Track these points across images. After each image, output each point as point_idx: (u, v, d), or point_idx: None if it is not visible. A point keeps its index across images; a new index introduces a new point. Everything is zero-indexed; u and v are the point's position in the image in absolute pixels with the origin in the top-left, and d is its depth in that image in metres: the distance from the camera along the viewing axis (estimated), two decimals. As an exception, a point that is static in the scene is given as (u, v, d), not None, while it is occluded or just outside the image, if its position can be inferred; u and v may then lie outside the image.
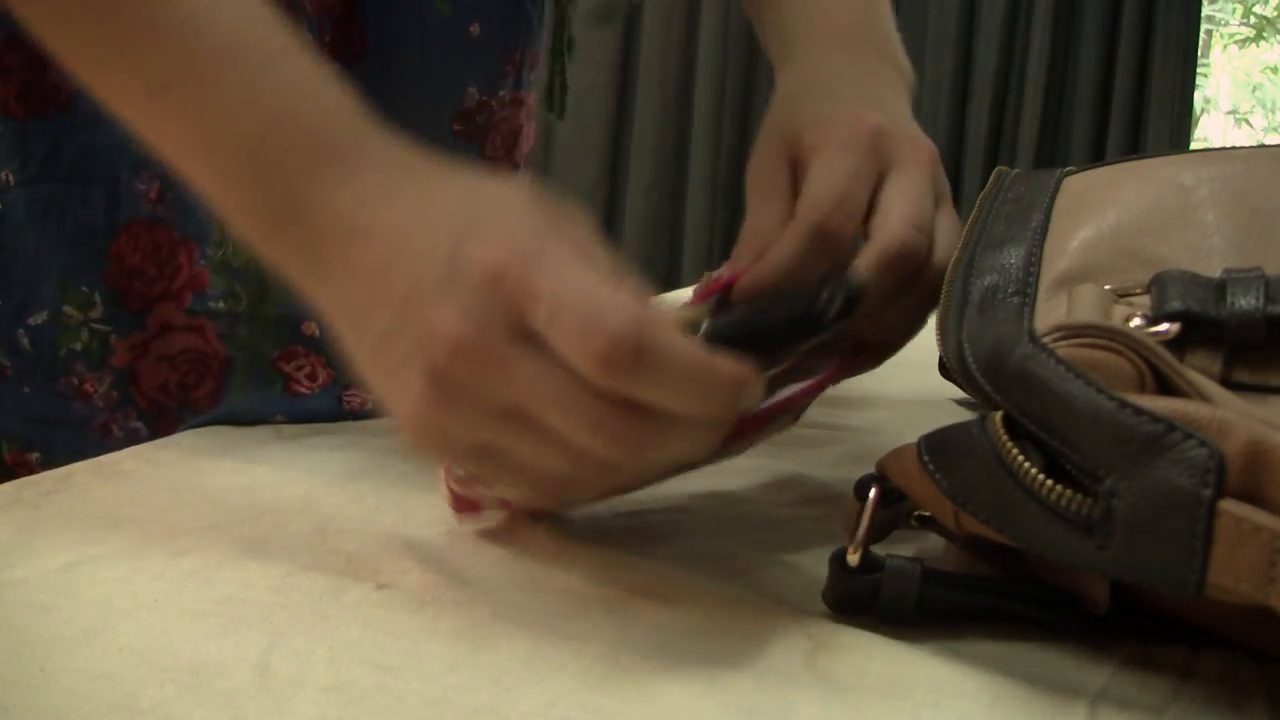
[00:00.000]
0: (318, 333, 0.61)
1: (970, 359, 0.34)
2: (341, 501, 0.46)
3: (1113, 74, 2.97)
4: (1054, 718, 0.30)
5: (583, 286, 0.33)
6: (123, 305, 0.61)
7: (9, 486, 0.47)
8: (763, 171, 0.51)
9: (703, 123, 2.87)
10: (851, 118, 0.49)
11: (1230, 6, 3.94)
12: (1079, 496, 0.29)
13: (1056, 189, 0.42)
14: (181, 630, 0.34)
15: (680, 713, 0.30)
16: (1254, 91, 3.96)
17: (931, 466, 0.32)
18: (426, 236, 0.37)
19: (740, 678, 0.32)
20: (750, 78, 3.16)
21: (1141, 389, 0.30)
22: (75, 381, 0.62)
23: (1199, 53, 2.94)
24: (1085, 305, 0.34)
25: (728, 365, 0.34)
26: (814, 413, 0.62)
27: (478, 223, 0.37)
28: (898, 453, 0.35)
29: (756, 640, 0.34)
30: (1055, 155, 3.02)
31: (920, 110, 3.08)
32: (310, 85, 0.42)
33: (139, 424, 0.62)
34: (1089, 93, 2.98)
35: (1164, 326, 0.33)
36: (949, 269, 0.39)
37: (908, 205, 0.46)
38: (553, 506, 0.44)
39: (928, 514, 0.36)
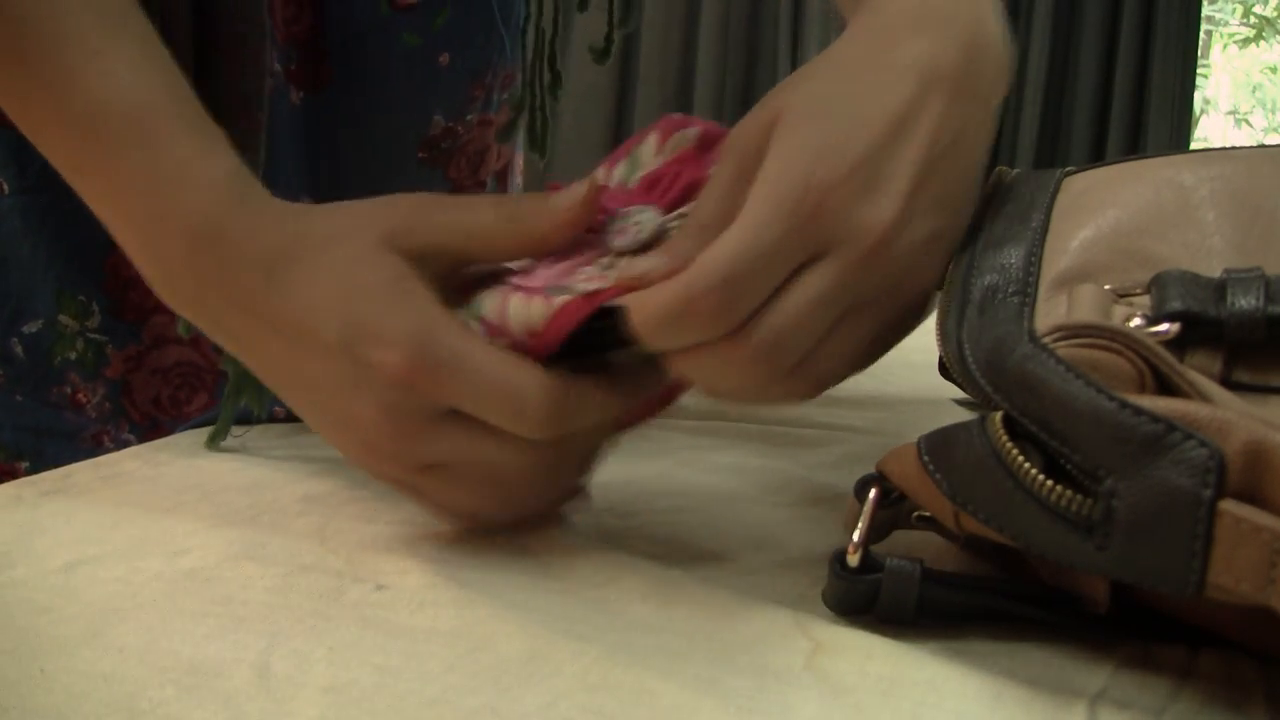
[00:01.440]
0: None
1: (970, 359, 0.34)
2: (341, 501, 0.46)
3: (1113, 74, 2.97)
4: (1054, 718, 0.30)
5: (488, 372, 0.38)
6: (119, 316, 0.61)
7: (9, 486, 0.47)
8: (742, 142, 0.40)
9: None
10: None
11: (1230, 6, 3.94)
12: (1079, 497, 0.29)
13: (1057, 189, 0.42)
14: (181, 630, 0.34)
15: (680, 713, 0.30)
16: (1254, 91, 3.96)
17: (931, 467, 0.32)
18: (317, 337, 0.39)
19: (740, 678, 0.32)
20: (750, 77, 3.16)
21: (1141, 389, 0.30)
22: (68, 391, 0.61)
23: (1199, 53, 2.94)
24: (1085, 305, 0.34)
25: (598, 399, 0.39)
26: (814, 412, 0.63)
27: (359, 323, 0.39)
28: (897, 453, 0.35)
29: (756, 640, 0.34)
30: (1055, 155, 3.02)
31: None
32: (193, 169, 0.42)
33: (130, 436, 0.62)
34: (1089, 93, 2.98)
35: (1164, 326, 0.33)
36: (949, 267, 0.39)
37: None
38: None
39: (928, 514, 0.36)
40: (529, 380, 0.37)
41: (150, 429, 0.62)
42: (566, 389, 0.38)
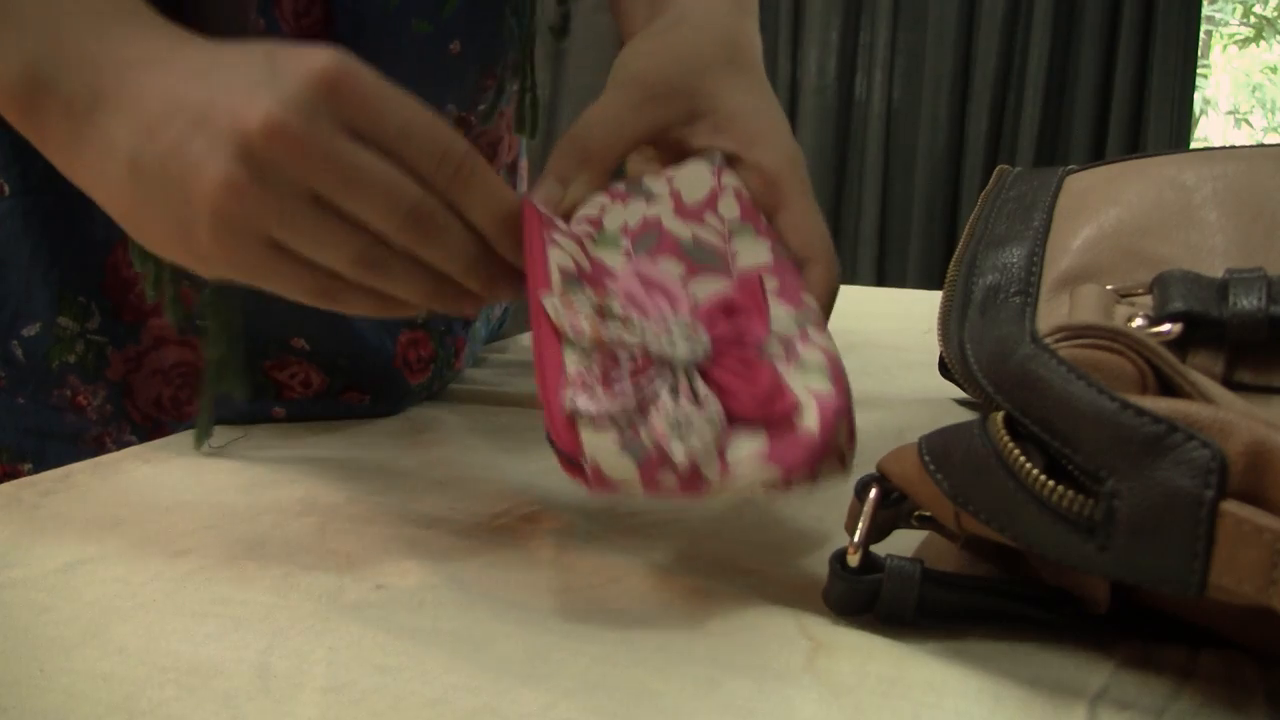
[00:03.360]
0: (306, 346, 0.61)
1: (972, 359, 0.34)
2: (341, 501, 0.46)
3: (1113, 74, 2.97)
4: (1054, 718, 0.30)
5: (420, 109, 0.38)
6: (119, 317, 0.61)
7: (8, 487, 0.47)
8: (638, 65, 0.48)
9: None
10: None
11: (1230, 6, 3.94)
12: (1080, 497, 0.29)
13: (1058, 188, 0.42)
14: (181, 630, 0.34)
15: (680, 713, 0.30)
16: (1254, 91, 3.96)
17: (932, 467, 0.32)
18: (238, 54, 0.39)
19: (740, 678, 0.32)
20: (750, 78, 3.15)
21: (1143, 390, 0.30)
22: (68, 394, 0.61)
23: (1199, 53, 2.94)
24: (1087, 305, 0.34)
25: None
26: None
27: (288, 47, 0.38)
28: (898, 453, 0.35)
29: (756, 641, 0.34)
30: (1055, 155, 3.02)
31: (921, 110, 3.09)
32: None
33: (132, 437, 0.62)
34: (1089, 93, 2.98)
35: (1166, 327, 0.33)
36: (950, 266, 0.39)
37: None
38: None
39: (928, 514, 0.35)
40: (456, 134, 0.38)
41: (152, 430, 0.62)
42: (485, 165, 0.39)
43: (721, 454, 0.35)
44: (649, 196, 0.45)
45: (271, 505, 0.46)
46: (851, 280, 3.20)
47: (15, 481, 0.48)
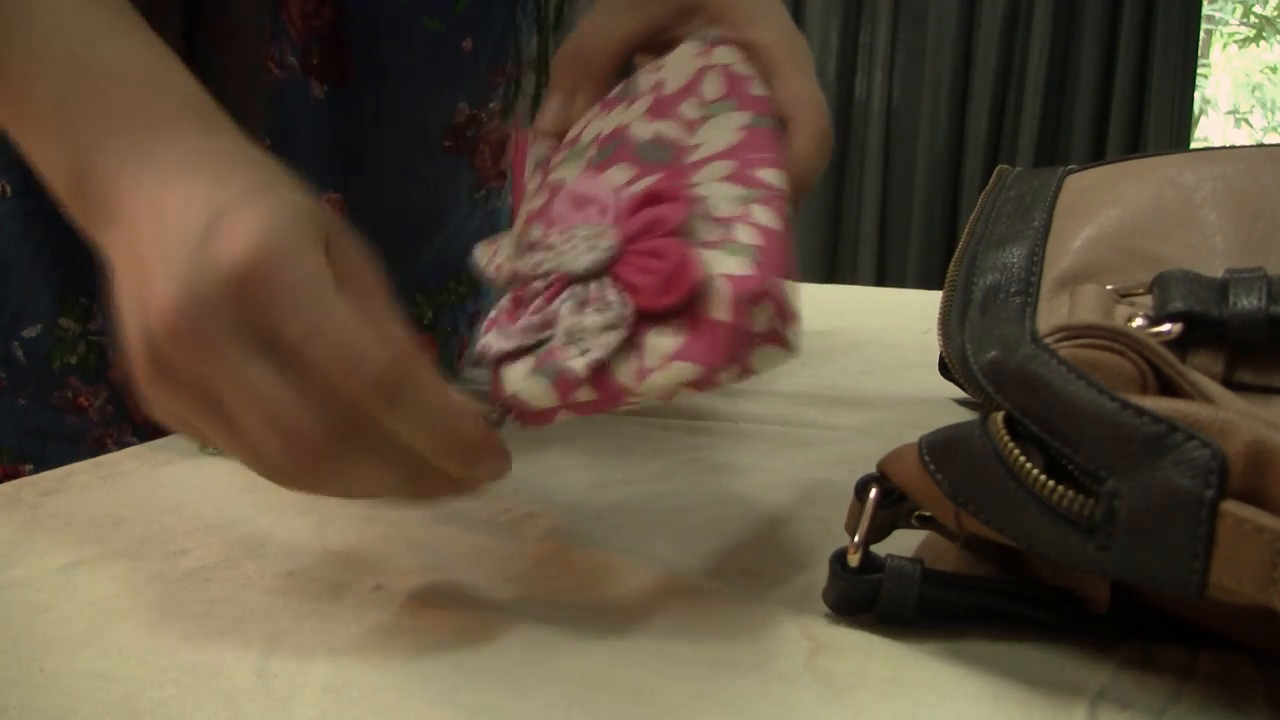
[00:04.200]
0: None
1: (972, 359, 0.34)
2: (341, 502, 0.46)
3: (1113, 74, 2.97)
4: (1054, 718, 0.30)
5: (339, 314, 0.33)
6: None
7: (8, 487, 0.47)
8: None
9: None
10: None
11: (1230, 6, 3.94)
12: (1080, 497, 0.29)
13: (1059, 187, 0.42)
14: (181, 630, 0.34)
15: (680, 713, 0.30)
16: (1254, 91, 3.96)
17: (933, 467, 0.32)
18: (185, 208, 0.35)
19: (740, 678, 0.32)
20: (750, 78, 3.15)
21: (1143, 390, 0.30)
22: (69, 395, 0.61)
23: (1199, 53, 2.94)
24: (1087, 305, 0.34)
25: (471, 430, 0.35)
26: (813, 413, 0.63)
27: (237, 207, 0.34)
28: (898, 453, 0.35)
29: (756, 641, 0.34)
30: (1055, 155, 3.02)
31: (920, 110, 3.09)
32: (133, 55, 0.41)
33: (134, 439, 0.62)
34: (1089, 93, 2.98)
35: (1166, 327, 0.33)
36: (950, 266, 0.39)
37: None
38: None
39: (928, 514, 0.35)
40: (376, 336, 0.33)
41: (153, 431, 0.62)
42: (415, 368, 0.34)
43: (640, 356, 0.33)
44: (634, 97, 0.44)
45: (271, 505, 0.46)
46: (852, 280, 3.19)
47: (15, 481, 0.48)
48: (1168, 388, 0.31)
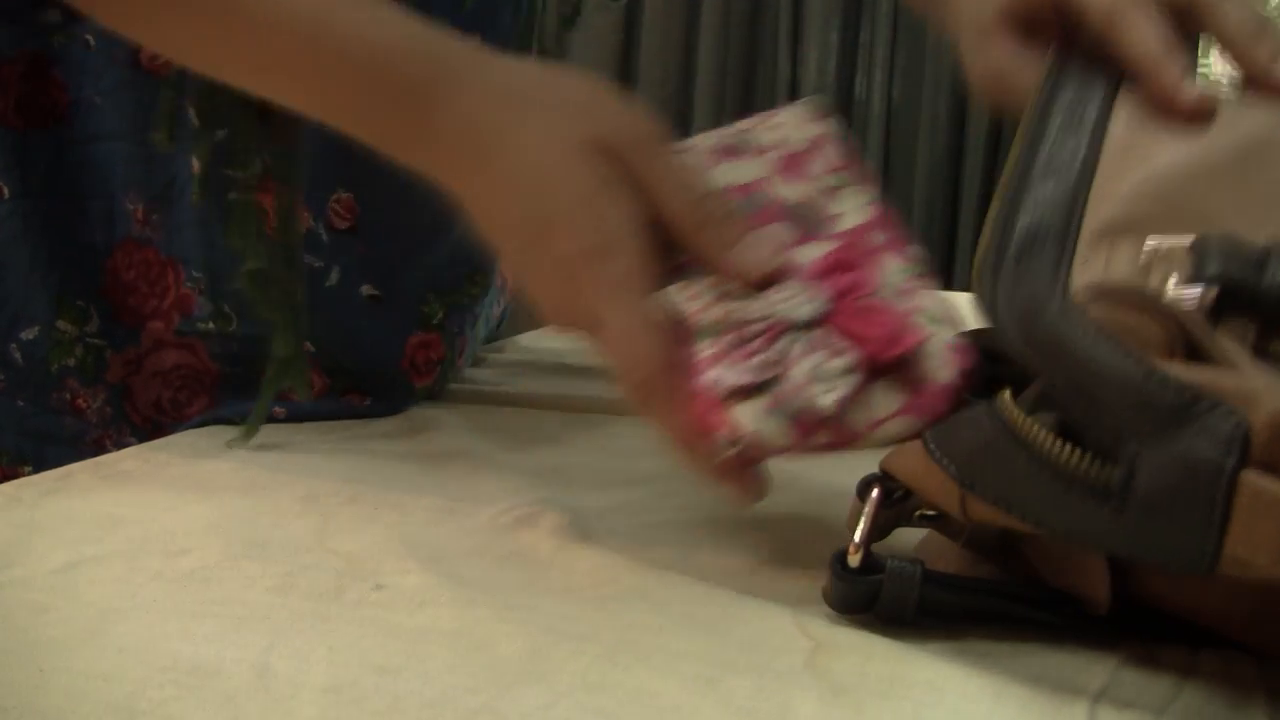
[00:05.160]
0: (310, 348, 0.61)
1: (1004, 313, 0.33)
2: (341, 501, 0.46)
3: (1113, 74, 2.96)
4: (1054, 718, 0.30)
5: (624, 321, 0.40)
6: (118, 320, 0.60)
7: (8, 487, 0.47)
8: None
9: (703, 122, 2.87)
10: None
11: (1230, 6, 3.93)
12: (1097, 462, 0.29)
13: (1110, 104, 0.40)
14: (181, 630, 0.34)
15: (680, 713, 0.30)
16: (1254, 91, 3.96)
17: (938, 454, 0.32)
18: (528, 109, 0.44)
19: (740, 678, 0.32)
20: (750, 77, 3.16)
21: (1171, 355, 0.30)
22: (67, 397, 0.61)
23: (1198, 53, 2.93)
24: (1123, 263, 0.34)
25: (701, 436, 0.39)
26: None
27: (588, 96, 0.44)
28: (900, 450, 0.35)
29: (756, 640, 0.34)
30: (1055, 155, 3.01)
31: (920, 110, 3.09)
32: (401, 24, 0.47)
33: (132, 439, 0.62)
34: (1089, 93, 2.97)
35: (1200, 290, 0.33)
36: (993, 204, 0.38)
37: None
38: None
39: (931, 513, 0.35)
40: (650, 359, 0.39)
41: (152, 432, 0.62)
42: (663, 378, 0.39)
43: (869, 406, 0.36)
44: (757, 150, 0.45)
45: (271, 505, 0.46)
46: (851, 280, 3.19)
47: (15, 481, 0.48)
48: (1196, 354, 0.30)
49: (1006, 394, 0.31)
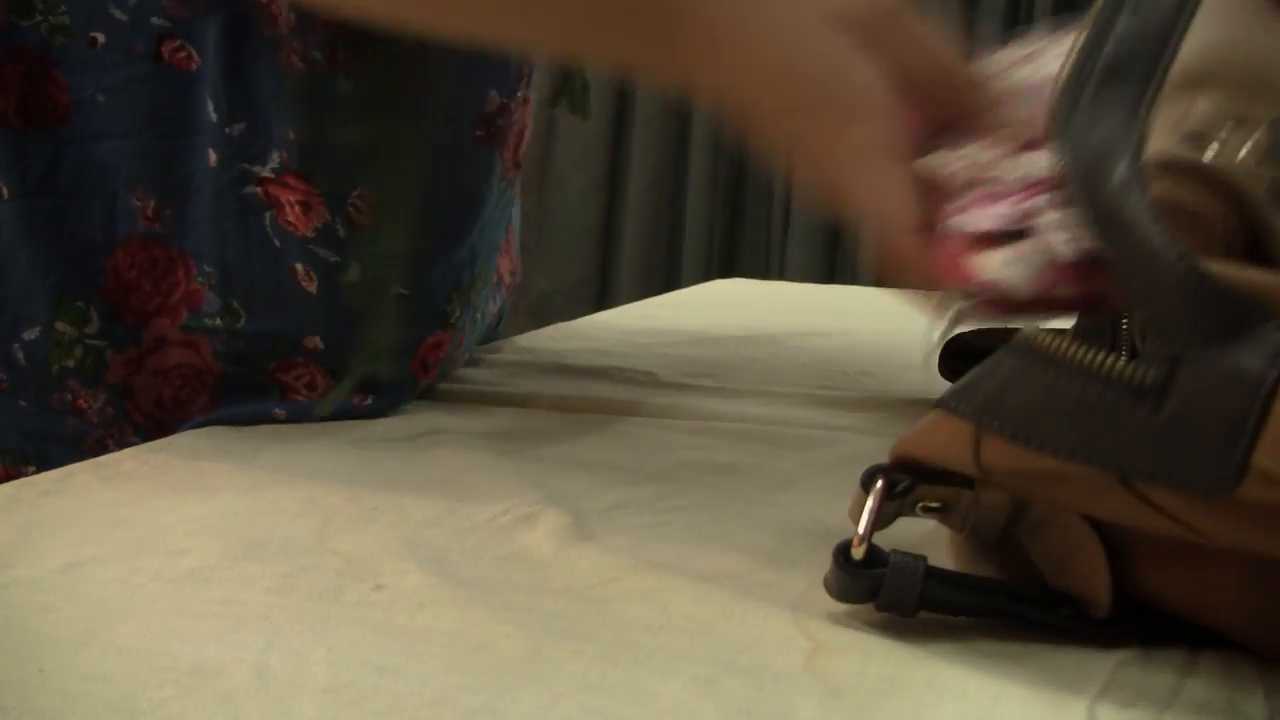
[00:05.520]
0: (320, 345, 0.61)
1: (1074, 160, 0.32)
2: (341, 501, 0.46)
3: (1113, 74, 2.96)
4: (1054, 718, 0.30)
5: (877, 183, 0.42)
6: (119, 320, 0.60)
7: (9, 487, 0.47)
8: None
9: (703, 123, 2.87)
10: None
11: (1230, 6, 3.93)
12: (1132, 363, 0.28)
13: None
14: (181, 630, 0.34)
15: (680, 713, 0.30)
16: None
17: (953, 403, 0.32)
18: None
19: (740, 678, 0.32)
20: (750, 78, 3.15)
21: (1232, 241, 0.30)
22: (69, 397, 0.61)
23: None
24: (1202, 119, 0.32)
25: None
26: (814, 413, 0.63)
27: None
28: (901, 437, 0.35)
29: (756, 641, 0.34)
30: (1055, 155, 3.01)
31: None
32: None
33: (135, 439, 0.62)
34: (1089, 93, 2.97)
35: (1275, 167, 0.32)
36: (1086, 19, 0.37)
37: None
38: None
39: (934, 504, 0.35)
40: (905, 217, 0.41)
41: (155, 431, 0.62)
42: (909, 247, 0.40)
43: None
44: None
45: (271, 505, 0.46)
46: (852, 280, 3.19)
47: (15, 482, 0.48)
48: (1258, 242, 0.30)
49: (1025, 330, 0.31)
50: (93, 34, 0.59)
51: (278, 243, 0.60)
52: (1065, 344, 0.30)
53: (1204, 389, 0.27)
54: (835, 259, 3.24)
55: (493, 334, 0.83)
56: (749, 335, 0.91)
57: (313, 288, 0.60)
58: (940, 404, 0.33)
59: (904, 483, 0.35)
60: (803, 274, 3.02)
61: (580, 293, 3.07)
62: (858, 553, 0.34)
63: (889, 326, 0.95)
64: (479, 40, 0.55)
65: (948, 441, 0.33)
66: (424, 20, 0.54)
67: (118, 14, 0.58)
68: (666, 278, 2.95)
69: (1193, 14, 0.34)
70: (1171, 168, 0.31)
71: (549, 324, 0.94)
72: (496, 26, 0.53)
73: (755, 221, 3.16)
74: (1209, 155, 0.31)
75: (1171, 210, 0.30)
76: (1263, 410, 0.26)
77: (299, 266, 0.60)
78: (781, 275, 3.04)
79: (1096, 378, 0.29)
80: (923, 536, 0.38)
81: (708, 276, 2.71)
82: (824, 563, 0.35)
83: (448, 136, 0.65)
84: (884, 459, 0.36)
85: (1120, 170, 0.30)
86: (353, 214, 0.61)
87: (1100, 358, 0.29)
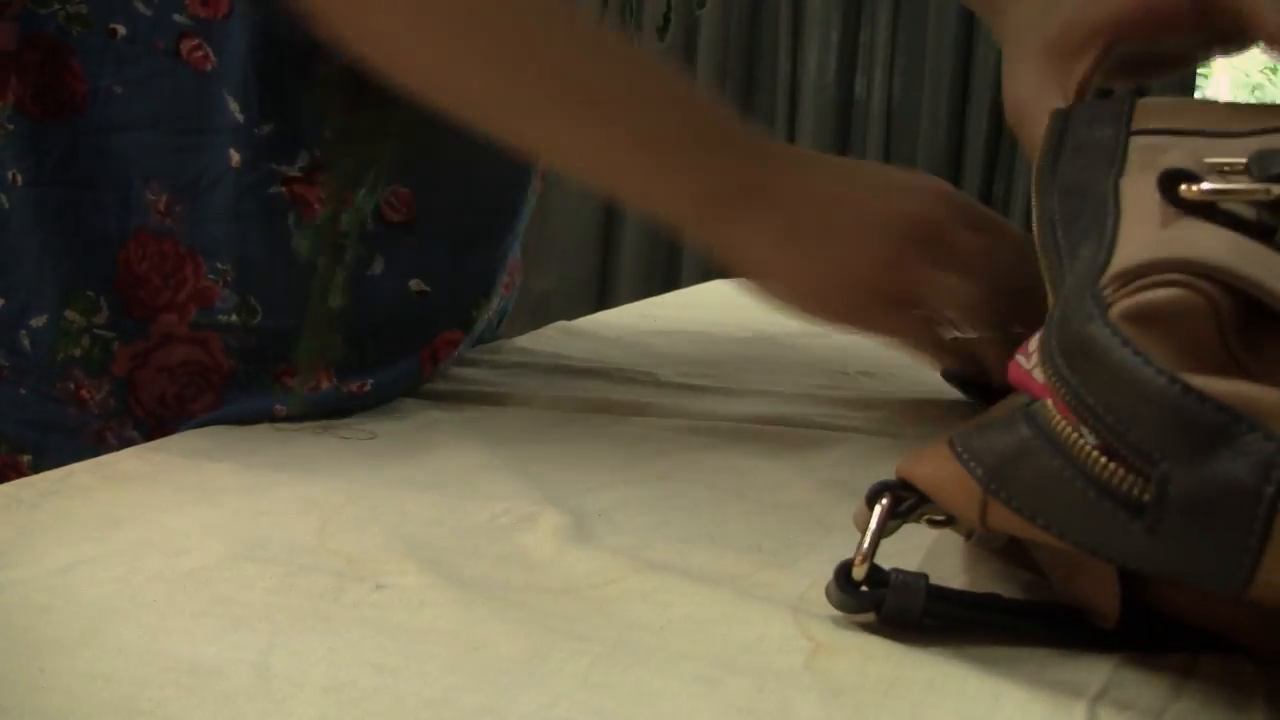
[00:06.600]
0: (339, 337, 0.62)
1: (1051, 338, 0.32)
2: (341, 501, 0.46)
3: (1113, 74, 2.96)
4: (1054, 718, 0.30)
5: (983, 240, 0.55)
6: (128, 313, 0.61)
7: (8, 487, 0.47)
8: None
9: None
10: None
11: (1230, 6, 3.93)
12: (1130, 476, 0.28)
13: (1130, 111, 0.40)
14: (181, 630, 0.34)
15: (680, 713, 0.30)
16: (1254, 91, 3.96)
17: (965, 455, 0.32)
18: (866, 168, 0.60)
19: (740, 679, 0.32)
20: (750, 77, 3.16)
21: (1219, 321, 0.29)
22: (71, 387, 0.61)
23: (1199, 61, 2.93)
24: (1171, 166, 0.32)
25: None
26: (814, 413, 0.63)
27: (899, 183, 0.58)
28: (918, 454, 0.34)
29: (756, 641, 0.34)
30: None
31: (920, 110, 3.09)
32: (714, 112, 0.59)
33: (135, 433, 0.62)
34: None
35: (1264, 186, 0.32)
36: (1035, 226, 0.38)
37: None
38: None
39: (939, 518, 0.35)
40: (989, 306, 0.53)
41: (155, 426, 0.62)
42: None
43: None
44: None
45: (271, 505, 0.46)
46: (851, 280, 3.19)
47: (15, 482, 0.48)
48: (1253, 311, 0.29)
49: (1049, 402, 0.31)
50: (113, 25, 0.59)
51: (300, 239, 0.60)
52: (1070, 430, 0.30)
53: (1198, 506, 0.27)
54: (835, 259, 3.23)
55: (493, 334, 0.83)
56: (749, 335, 0.91)
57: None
58: (952, 447, 0.32)
59: (909, 500, 0.34)
60: (803, 274, 3.02)
61: (580, 293, 3.07)
62: (859, 572, 0.34)
63: (889, 326, 0.95)
64: (545, 152, 0.61)
65: (955, 492, 0.33)
66: (472, 104, 0.57)
67: (141, 8, 0.58)
68: (666, 278, 2.95)
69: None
70: (1149, 270, 0.30)
71: (549, 324, 0.94)
72: (578, 164, 0.60)
73: (755, 221, 3.16)
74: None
75: (1151, 318, 0.29)
76: (1265, 528, 0.26)
77: (324, 260, 0.61)
78: (781, 275, 3.03)
79: (1094, 482, 0.29)
80: (928, 546, 0.38)
81: (708, 276, 2.72)
82: (824, 563, 0.35)
83: (480, 141, 0.66)
84: (884, 459, 0.36)
85: (1081, 313, 0.30)
86: (386, 210, 0.61)
87: (1096, 458, 0.29)
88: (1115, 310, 0.30)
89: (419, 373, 0.65)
